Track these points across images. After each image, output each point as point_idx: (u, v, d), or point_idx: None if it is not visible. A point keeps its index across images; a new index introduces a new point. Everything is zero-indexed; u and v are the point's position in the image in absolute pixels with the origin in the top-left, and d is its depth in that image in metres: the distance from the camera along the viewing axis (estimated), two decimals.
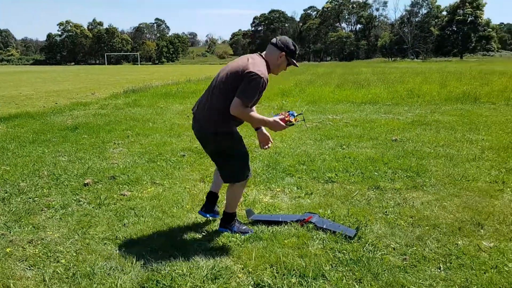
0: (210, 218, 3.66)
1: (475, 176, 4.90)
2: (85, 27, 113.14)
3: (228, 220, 3.43)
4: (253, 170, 5.21)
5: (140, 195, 4.41)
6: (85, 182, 4.78)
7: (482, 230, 3.44)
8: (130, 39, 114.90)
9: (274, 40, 3.22)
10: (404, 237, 3.32)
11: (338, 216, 3.74)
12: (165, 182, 4.85)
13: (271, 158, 5.77)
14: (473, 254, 3.02)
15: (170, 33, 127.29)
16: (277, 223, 3.52)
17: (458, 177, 4.85)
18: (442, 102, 11.91)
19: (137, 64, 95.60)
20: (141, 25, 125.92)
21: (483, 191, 4.37)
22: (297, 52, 3.23)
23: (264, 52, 3.22)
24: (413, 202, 4.10)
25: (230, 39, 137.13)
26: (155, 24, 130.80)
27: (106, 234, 3.43)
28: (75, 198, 4.30)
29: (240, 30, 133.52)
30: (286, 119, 3.14)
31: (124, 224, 3.62)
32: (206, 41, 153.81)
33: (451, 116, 9.36)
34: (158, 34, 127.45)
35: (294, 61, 3.24)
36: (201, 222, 3.65)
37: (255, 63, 3.04)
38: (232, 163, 3.24)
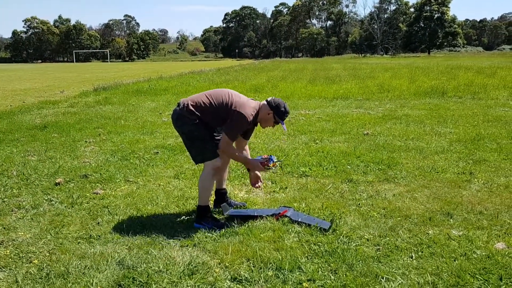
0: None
1: (444, 167, 5.04)
2: (52, 23, 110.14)
3: (202, 214, 3.49)
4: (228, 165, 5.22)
5: (113, 193, 4.35)
6: (57, 181, 4.68)
7: (451, 220, 3.55)
8: (98, 36, 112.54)
9: (269, 98, 3.56)
10: (377, 228, 3.40)
11: (313, 210, 3.80)
12: (139, 179, 4.80)
13: None
14: (443, 243, 3.12)
15: (140, 30, 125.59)
16: (253, 217, 3.54)
17: (427, 169, 4.98)
18: (411, 96, 12.18)
19: (107, 62, 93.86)
20: (110, 22, 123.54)
21: (451, 182, 4.51)
22: (286, 115, 3.54)
23: (260, 104, 3.56)
24: (385, 194, 4.19)
25: (202, 35, 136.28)
26: (124, 21, 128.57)
27: (79, 233, 3.38)
28: (46, 198, 4.21)
29: (211, 26, 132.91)
30: (265, 163, 3.55)
31: (98, 223, 3.57)
32: (177, 38, 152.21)
33: (420, 110, 9.59)
34: (128, 31, 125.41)
35: (281, 121, 3.53)
36: (177, 218, 3.63)
37: (244, 111, 3.40)
38: (196, 144, 3.49)
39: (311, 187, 4.44)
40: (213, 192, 3.77)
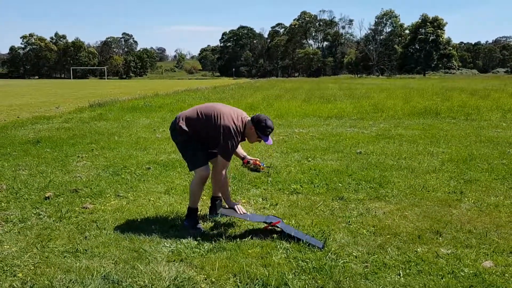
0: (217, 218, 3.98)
1: (435, 187, 5.05)
2: (49, 40, 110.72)
3: (189, 213, 3.83)
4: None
5: (103, 208, 4.33)
6: (46, 195, 4.65)
7: (440, 238, 3.55)
8: (97, 53, 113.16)
9: (254, 115, 3.75)
10: (366, 245, 3.39)
11: (303, 226, 3.78)
12: (129, 194, 4.78)
13: (237, 171, 5.78)
14: (431, 261, 3.11)
15: (138, 48, 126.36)
16: (243, 220, 3.67)
17: (418, 188, 4.99)
18: (406, 116, 12.27)
19: (104, 79, 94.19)
20: (109, 39, 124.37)
21: (442, 201, 4.52)
22: (268, 130, 3.66)
23: (246, 120, 3.75)
24: (375, 212, 4.19)
25: (199, 54, 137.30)
26: (122, 39, 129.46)
27: (66, 247, 3.34)
28: (35, 212, 4.18)
29: (209, 45, 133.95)
30: (258, 162, 3.96)
31: (86, 237, 3.54)
32: (175, 56, 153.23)
33: (413, 130, 9.65)
34: (126, 49, 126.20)
35: (263, 136, 3.67)
36: (165, 234, 3.61)
37: (232, 128, 3.63)
38: (187, 153, 3.77)
39: (301, 204, 4.43)
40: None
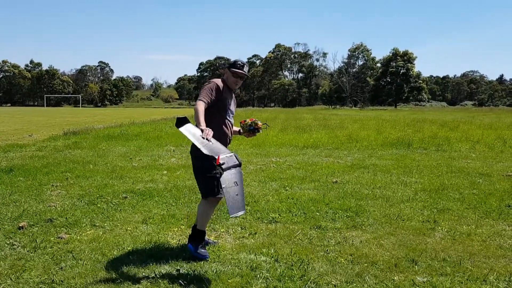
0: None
1: (409, 216, 5.17)
2: (23, 67, 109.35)
3: (195, 236, 3.77)
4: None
5: (78, 238, 4.25)
6: (20, 225, 4.54)
7: (416, 266, 3.62)
8: (71, 81, 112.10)
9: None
10: (344, 274, 3.43)
11: (282, 255, 3.80)
12: (105, 224, 4.71)
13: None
14: None
15: (114, 76, 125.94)
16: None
17: (394, 217, 5.10)
18: (379, 147, 12.54)
19: (79, 107, 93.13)
20: (84, 68, 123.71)
21: (416, 230, 4.62)
22: (238, 63, 3.81)
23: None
24: (352, 241, 4.25)
25: (176, 83, 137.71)
26: (99, 67, 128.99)
27: (41, 278, 3.27)
28: (8, 242, 4.07)
29: (185, 75, 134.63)
30: (256, 122, 3.88)
31: (61, 268, 3.47)
32: (152, 85, 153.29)
33: (387, 160, 9.87)
34: (102, 77, 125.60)
35: (236, 70, 3.78)
36: (143, 264, 3.57)
37: (211, 79, 3.80)
38: (205, 180, 3.72)
39: (280, 233, 4.46)
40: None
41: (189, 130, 3.36)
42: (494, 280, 3.36)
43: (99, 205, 5.51)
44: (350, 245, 4.12)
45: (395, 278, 3.37)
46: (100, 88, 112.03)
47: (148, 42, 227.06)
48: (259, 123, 3.91)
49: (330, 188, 6.68)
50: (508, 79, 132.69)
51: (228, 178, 3.18)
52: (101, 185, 6.72)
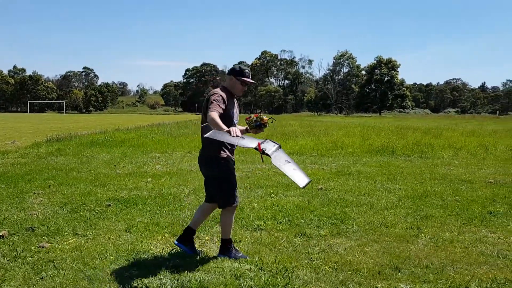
0: (180, 249, 3.99)
1: (393, 222, 5.21)
2: (6, 73, 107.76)
3: (226, 246, 3.92)
4: (182, 219, 5.18)
5: (60, 246, 4.18)
6: (0, 234, 4.45)
7: (399, 273, 3.64)
8: (55, 87, 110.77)
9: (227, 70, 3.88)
10: (328, 282, 3.43)
11: (266, 264, 3.79)
12: (88, 233, 4.65)
13: None
14: None
15: (99, 82, 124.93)
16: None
17: (378, 224, 5.13)
18: (363, 154, 12.64)
19: (63, 113, 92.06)
20: (69, 73, 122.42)
21: (400, 237, 4.65)
22: (245, 71, 3.89)
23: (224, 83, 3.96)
24: (337, 248, 4.26)
25: (162, 89, 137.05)
26: (83, 73, 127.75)
27: None
28: None
29: (172, 81, 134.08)
30: (261, 116, 3.78)
31: (42, 278, 3.41)
32: (137, 91, 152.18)
33: (371, 167, 9.95)
34: (86, 83, 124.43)
35: (245, 79, 3.86)
36: (125, 273, 3.52)
37: (213, 90, 3.84)
38: (221, 190, 3.82)
39: (265, 240, 4.45)
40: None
41: (217, 135, 3.40)
42: (476, 287, 3.40)
43: (81, 213, 5.44)
44: (334, 253, 4.13)
45: (379, 285, 3.38)
46: (85, 94, 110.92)
47: (134, 48, 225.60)
48: (265, 118, 3.84)
49: (315, 195, 6.70)
50: (490, 87, 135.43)
51: (279, 159, 3.35)
52: (84, 193, 6.64)
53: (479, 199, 6.52)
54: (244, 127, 3.94)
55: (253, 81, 3.89)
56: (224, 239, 3.95)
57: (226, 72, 3.99)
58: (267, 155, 3.30)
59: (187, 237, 4.00)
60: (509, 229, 5.00)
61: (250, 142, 3.34)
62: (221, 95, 3.71)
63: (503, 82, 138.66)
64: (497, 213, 5.70)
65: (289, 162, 3.40)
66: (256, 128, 3.81)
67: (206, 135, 3.42)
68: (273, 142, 3.49)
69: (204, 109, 3.74)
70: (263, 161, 3.65)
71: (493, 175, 8.91)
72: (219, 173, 3.80)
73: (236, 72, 3.86)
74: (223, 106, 3.67)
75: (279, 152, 3.43)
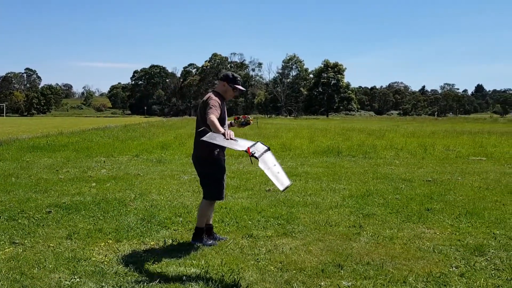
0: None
1: (337, 221, 5.36)
2: None
3: (198, 234, 4.36)
4: (127, 224, 5.07)
5: None
6: None
7: (342, 271, 3.75)
8: None
9: (220, 75, 4.24)
10: (273, 282, 3.48)
11: (212, 266, 3.79)
12: (26, 241, 4.44)
13: (146, 212, 5.66)
14: None
15: (42, 84, 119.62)
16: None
17: (322, 223, 5.26)
18: (311, 155, 12.91)
19: (2, 116, 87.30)
20: (9, 75, 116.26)
21: (343, 235, 4.80)
22: (238, 79, 4.36)
23: (215, 87, 4.44)
24: (282, 248, 4.32)
25: (109, 91, 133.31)
26: (25, 74, 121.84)
27: None
28: None
29: (119, 83, 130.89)
30: (248, 118, 4.49)
31: None
32: (83, 93, 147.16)
33: (318, 168, 10.17)
34: (28, 85, 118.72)
35: (237, 86, 4.35)
36: (65, 282, 3.40)
37: (208, 95, 4.28)
38: (209, 183, 4.33)
39: None
40: None
41: (213, 137, 3.72)
42: (413, 281, 3.56)
43: (19, 221, 5.19)
44: (280, 253, 4.19)
45: (322, 283, 3.47)
46: (26, 96, 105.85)
47: (79, 49, 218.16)
48: (251, 119, 4.57)
49: (263, 197, 6.76)
50: (429, 90, 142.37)
51: (265, 162, 3.64)
52: (23, 199, 6.34)
53: (417, 197, 6.83)
54: (229, 122, 4.50)
55: (245, 89, 4.28)
56: (197, 227, 4.38)
57: (220, 77, 4.38)
58: (256, 158, 3.59)
59: (209, 231, 4.50)
60: (445, 224, 5.28)
61: (241, 146, 3.65)
62: (217, 101, 4.15)
63: (441, 86, 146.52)
64: (434, 209, 6.00)
65: (275, 165, 3.70)
66: (240, 125, 4.53)
67: (203, 139, 3.76)
68: (263, 144, 3.83)
69: (202, 113, 4.16)
70: (252, 163, 3.94)
71: (431, 173, 9.38)
72: (212, 171, 4.29)
73: (230, 79, 4.30)
74: (219, 111, 4.12)
75: (267, 155, 3.74)
